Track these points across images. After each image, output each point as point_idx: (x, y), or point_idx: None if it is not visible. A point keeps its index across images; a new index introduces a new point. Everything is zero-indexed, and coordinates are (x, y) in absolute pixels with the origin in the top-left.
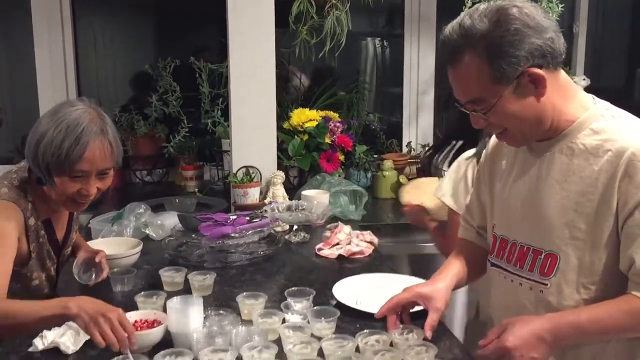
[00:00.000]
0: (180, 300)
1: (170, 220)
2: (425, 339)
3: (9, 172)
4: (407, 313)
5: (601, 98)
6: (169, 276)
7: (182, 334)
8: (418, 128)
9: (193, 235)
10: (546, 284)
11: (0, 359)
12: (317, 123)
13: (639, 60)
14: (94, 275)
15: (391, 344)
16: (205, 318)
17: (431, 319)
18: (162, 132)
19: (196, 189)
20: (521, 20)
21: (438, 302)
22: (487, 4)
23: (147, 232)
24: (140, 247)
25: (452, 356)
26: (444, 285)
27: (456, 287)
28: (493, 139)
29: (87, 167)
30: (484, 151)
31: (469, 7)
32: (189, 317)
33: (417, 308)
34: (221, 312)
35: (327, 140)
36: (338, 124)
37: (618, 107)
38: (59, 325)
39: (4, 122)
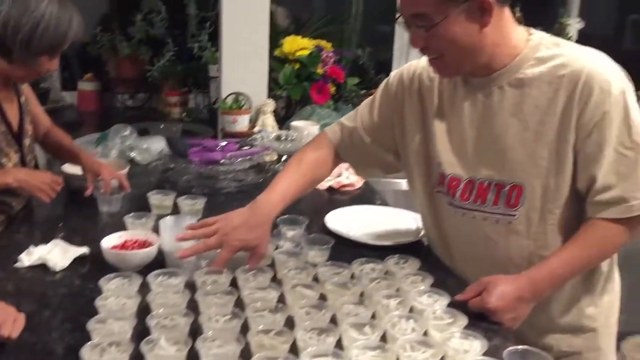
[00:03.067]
0: (174, 219)
1: (156, 144)
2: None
3: None
4: None
5: (591, 45)
6: (158, 199)
7: (174, 253)
8: None
9: (180, 161)
10: (514, 215)
11: None
12: (309, 52)
13: (631, 7)
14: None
15: (386, 273)
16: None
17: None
18: (145, 55)
19: (180, 116)
20: None
21: (262, 248)
22: None
23: (133, 155)
24: (127, 169)
25: (447, 286)
26: (266, 225)
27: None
28: (419, 69)
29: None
30: (401, 74)
31: None
32: None
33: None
34: None
35: (319, 71)
36: (330, 55)
37: (607, 54)
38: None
39: None
